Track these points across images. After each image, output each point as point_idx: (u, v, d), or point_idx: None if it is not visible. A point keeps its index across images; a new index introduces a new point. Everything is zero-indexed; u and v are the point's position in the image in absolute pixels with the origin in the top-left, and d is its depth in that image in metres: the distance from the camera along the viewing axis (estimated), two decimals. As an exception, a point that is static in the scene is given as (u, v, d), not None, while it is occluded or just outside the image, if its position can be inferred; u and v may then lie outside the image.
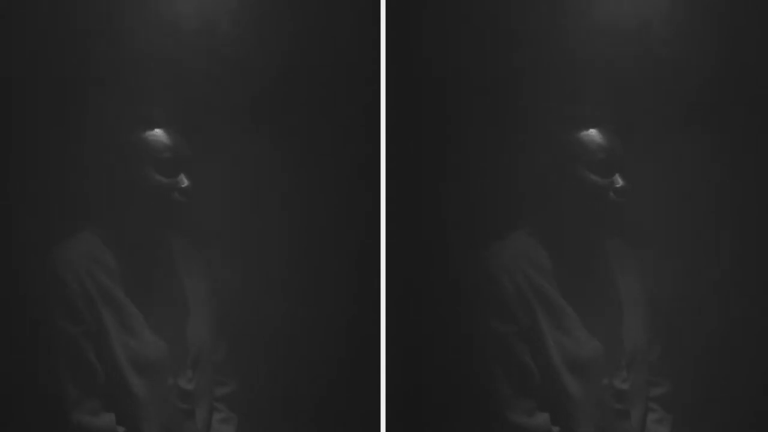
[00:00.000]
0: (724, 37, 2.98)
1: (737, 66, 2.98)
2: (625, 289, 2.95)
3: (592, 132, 2.86)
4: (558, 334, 2.86)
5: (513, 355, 2.85)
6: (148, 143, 2.81)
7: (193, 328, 2.90)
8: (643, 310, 2.96)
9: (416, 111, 3.01)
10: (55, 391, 2.75)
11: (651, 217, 2.99)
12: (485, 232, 2.94)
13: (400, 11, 3.00)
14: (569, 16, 2.97)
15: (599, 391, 2.87)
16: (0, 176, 2.88)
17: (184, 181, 2.80)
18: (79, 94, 2.91)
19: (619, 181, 2.83)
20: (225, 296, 2.99)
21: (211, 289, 2.97)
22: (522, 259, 2.88)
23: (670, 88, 2.97)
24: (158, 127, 2.83)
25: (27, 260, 2.84)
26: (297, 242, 3.02)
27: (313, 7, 3.00)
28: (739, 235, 3.00)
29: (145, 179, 2.80)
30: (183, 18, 2.94)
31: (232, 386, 2.99)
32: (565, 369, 2.86)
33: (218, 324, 2.97)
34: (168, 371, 2.84)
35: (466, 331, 2.91)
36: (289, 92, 3.01)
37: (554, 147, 2.89)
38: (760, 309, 2.98)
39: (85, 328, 2.78)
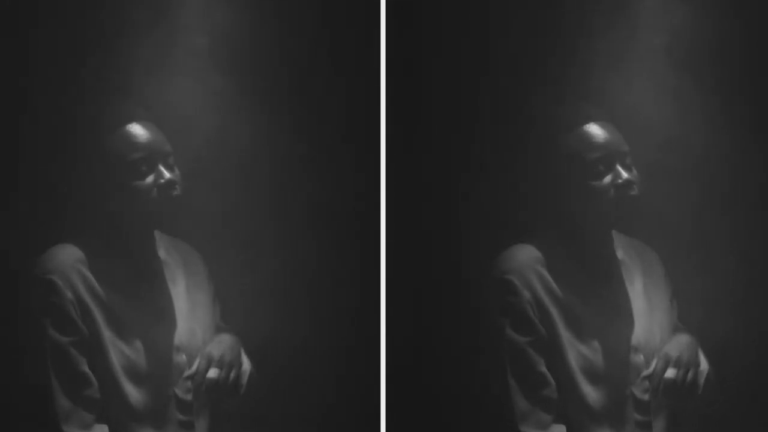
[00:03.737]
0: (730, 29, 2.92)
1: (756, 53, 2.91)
2: (650, 292, 2.86)
3: (583, 130, 2.75)
4: (576, 343, 2.75)
5: (529, 365, 2.75)
6: (116, 146, 2.70)
7: (193, 335, 2.81)
8: (667, 313, 2.86)
9: (415, 114, 2.96)
10: (47, 403, 2.66)
11: (669, 218, 2.90)
12: (498, 237, 2.86)
13: (398, 14, 2.95)
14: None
15: (620, 402, 2.77)
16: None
17: (165, 175, 2.69)
18: (58, 98, 2.85)
19: (622, 175, 2.72)
20: (224, 303, 2.91)
21: (211, 296, 2.88)
22: (538, 264, 2.78)
23: (684, 77, 2.90)
24: (129, 122, 2.71)
25: (17, 267, 2.75)
26: (299, 249, 2.96)
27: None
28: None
29: (119, 185, 2.69)
30: (171, 14, 2.88)
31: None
32: (583, 379, 2.75)
33: (218, 332, 2.88)
34: (166, 381, 2.74)
35: (479, 340, 2.82)
36: (290, 91, 2.95)
37: (549, 149, 2.80)
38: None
39: (79, 337, 2.68)
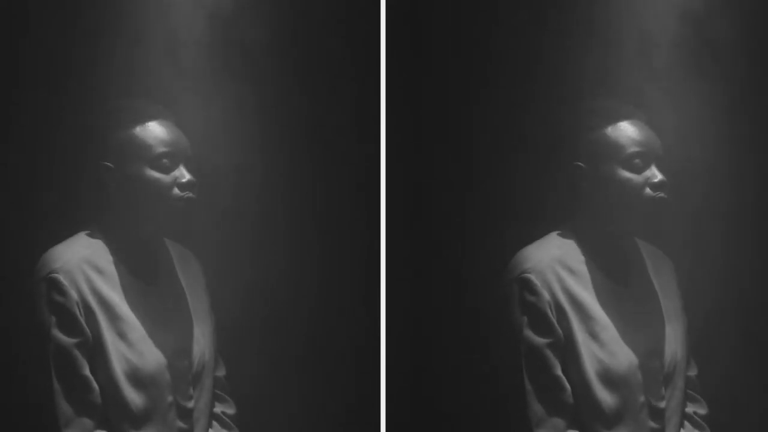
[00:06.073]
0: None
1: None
2: (665, 297, 2.81)
3: (623, 125, 2.73)
4: (594, 346, 2.70)
5: (545, 368, 2.69)
6: (141, 138, 2.65)
7: (196, 341, 2.74)
8: (680, 320, 2.82)
9: (420, 110, 2.94)
10: (49, 406, 2.58)
11: (691, 219, 2.88)
12: (513, 235, 2.81)
13: (402, 8, 2.94)
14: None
15: (634, 409, 2.72)
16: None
17: (185, 176, 2.65)
18: (67, 88, 2.80)
19: (657, 175, 2.69)
20: (229, 307, 2.86)
21: (208, 303, 2.83)
22: (557, 263, 2.73)
23: (713, 79, 2.87)
24: (152, 119, 2.67)
25: (19, 266, 2.68)
26: (302, 252, 2.93)
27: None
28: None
29: (140, 178, 2.64)
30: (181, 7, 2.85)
31: (233, 403, 2.85)
32: (598, 384, 2.70)
33: (221, 337, 2.84)
34: (169, 387, 2.68)
35: (494, 340, 2.77)
36: (293, 94, 2.93)
37: (581, 144, 2.76)
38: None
39: (83, 338, 2.60)
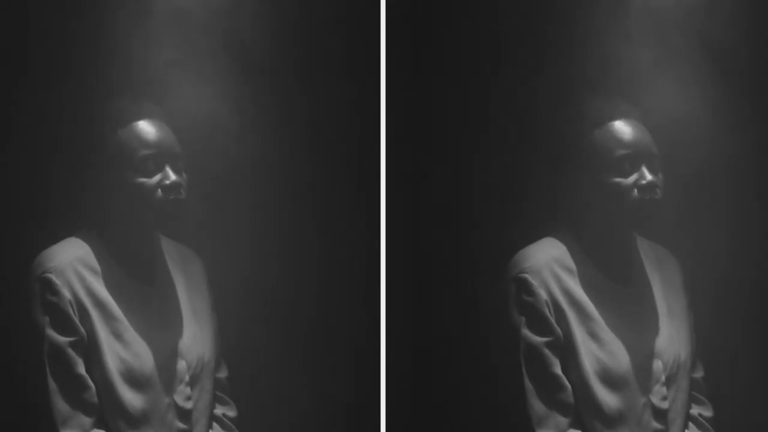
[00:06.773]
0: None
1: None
2: (668, 297, 2.79)
3: (612, 126, 2.71)
4: (593, 346, 2.68)
5: (544, 367, 2.67)
6: (125, 141, 2.63)
7: (195, 342, 2.73)
8: (685, 320, 2.81)
9: (420, 110, 2.93)
10: (45, 405, 2.57)
11: (691, 225, 2.87)
12: (512, 236, 2.81)
13: (402, 8, 2.93)
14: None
15: (636, 410, 2.70)
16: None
17: (170, 177, 2.62)
18: (67, 88, 2.79)
19: (646, 177, 2.66)
20: (228, 307, 2.85)
21: (210, 303, 2.82)
22: (555, 263, 2.71)
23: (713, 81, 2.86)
24: (138, 119, 2.66)
25: (17, 266, 2.67)
26: (302, 252, 2.92)
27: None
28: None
29: (125, 181, 2.63)
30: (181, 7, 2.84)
31: (234, 406, 2.84)
32: (598, 384, 2.68)
33: (220, 337, 2.82)
34: (165, 388, 2.66)
35: (493, 339, 2.76)
36: (293, 94, 2.92)
37: (571, 147, 2.75)
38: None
39: (78, 337, 2.59)
